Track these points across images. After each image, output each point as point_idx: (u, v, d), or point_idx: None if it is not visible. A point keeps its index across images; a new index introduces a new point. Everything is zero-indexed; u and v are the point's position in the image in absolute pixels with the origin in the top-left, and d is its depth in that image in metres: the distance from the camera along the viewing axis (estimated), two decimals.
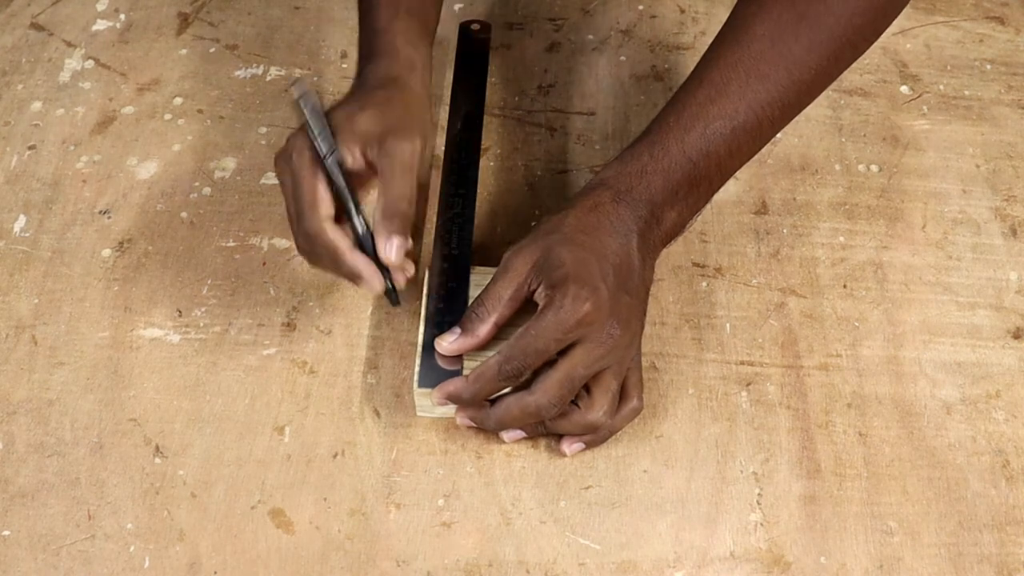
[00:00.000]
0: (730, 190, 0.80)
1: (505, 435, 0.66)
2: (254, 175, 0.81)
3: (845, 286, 0.75)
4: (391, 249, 0.63)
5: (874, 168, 0.82)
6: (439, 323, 0.67)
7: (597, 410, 0.63)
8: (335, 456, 0.67)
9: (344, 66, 0.88)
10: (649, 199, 0.64)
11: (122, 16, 0.92)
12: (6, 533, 0.64)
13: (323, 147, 0.63)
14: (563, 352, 0.61)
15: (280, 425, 0.68)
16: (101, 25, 0.92)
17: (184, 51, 0.90)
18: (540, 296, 0.62)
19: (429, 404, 0.67)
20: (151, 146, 0.83)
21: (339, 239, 0.63)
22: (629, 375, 0.65)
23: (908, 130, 0.85)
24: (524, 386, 0.63)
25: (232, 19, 0.92)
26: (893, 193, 0.81)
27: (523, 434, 0.66)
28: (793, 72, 0.64)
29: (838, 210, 0.79)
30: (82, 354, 0.71)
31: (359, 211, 0.64)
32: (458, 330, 0.64)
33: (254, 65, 0.89)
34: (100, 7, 0.93)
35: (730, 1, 0.92)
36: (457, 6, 0.93)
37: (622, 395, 0.65)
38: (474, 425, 0.66)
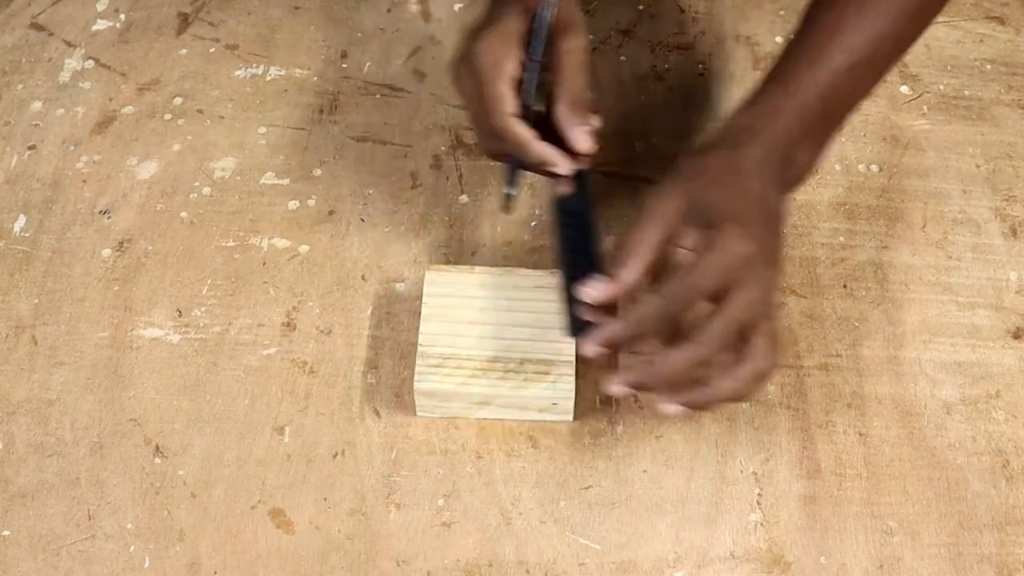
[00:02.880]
0: None
1: (668, 407, 0.60)
2: (254, 175, 0.81)
3: (845, 286, 0.75)
4: (584, 138, 0.68)
5: (874, 168, 0.82)
6: (571, 275, 0.65)
7: (766, 357, 0.59)
8: (335, 456, 0.67)
9: (344, 66, 0.88)
10: (785, 140, 0.64)
11: (122, 16, 0.92)
12: (6, 533, 0.64)
13: (538, 50, 0.68)
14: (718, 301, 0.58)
15: (280, 425, 0.68)
16: (101, 25, 0.92)
17: (184, 51, 0.90)
18: (694, 239, 0.60)
19: (429, 404, 0.67)
20: (151, 146, 0.83)
21: (525, 131, 0.67)
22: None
23: (908, 130, 0.85)
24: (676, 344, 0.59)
25: (232, 19, 0.92)
26: (893, 193, 0.81)
27: (684, 410, 0.60)
28: (903, 2, 0.65)
29: (838, 210, 0.79)
30: (82, 354, 0.71)
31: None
32: (603, 278, 0.61)
33: (254, 65, 0.89)
34: (100, 7, 0.93)
35: (731, 1, 0.92)
36: (457, 6, 0.93)
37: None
38: (633, 392, 0.61)
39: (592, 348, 0.61)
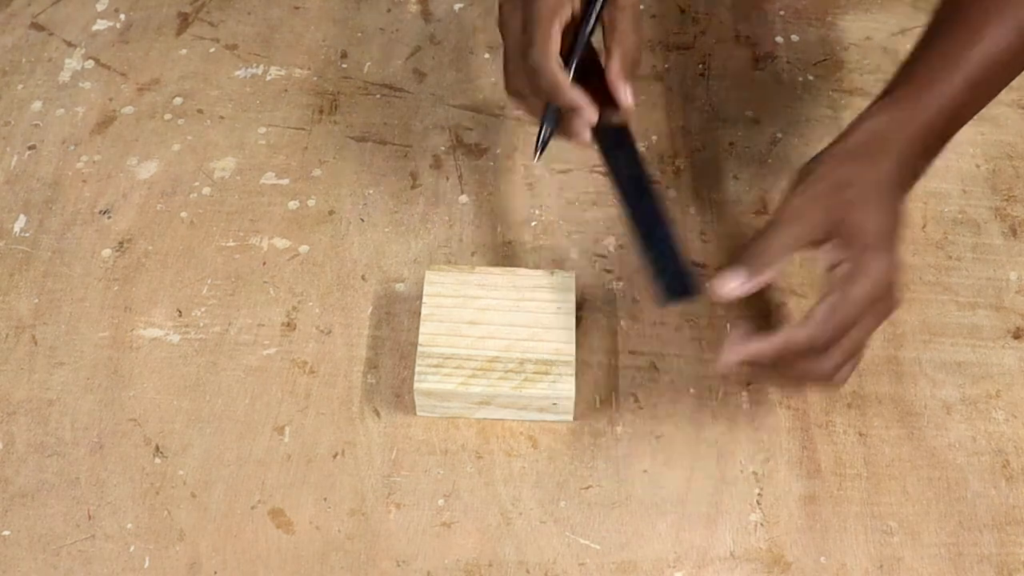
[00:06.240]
0: (730, 190, 0.80)
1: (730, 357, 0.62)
2: (254, 175, 0.81)
3: None
4: (630, 95, 0.66)
5: None
6: (649, 242, 0.66)
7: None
8: (335, 456, 0.67)
9: (344, 66, 0.88)
10: (912, 153, 0.63)
11: (122, 16, 0.92)
12: (6, 533, 0.64)
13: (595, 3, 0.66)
14: None
15: (280, 425, 0.68)
16: (101, 25, 0.92)
17: (184, 51, 0.90)
18: (836, 256, 0.60)
19: (429, 404, 0.67)
20: (151, 146, 0.83)
21: (563, 75, 0.65)
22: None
23: None
24: None
25: (232, 19, 0.92)
26: None
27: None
28: (1014, 36, 0.64)
29: None
30: (82, 354, 0.71)
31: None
32: (743, 273, 0.61)
33: (254, 65, 0.89)
34: (100, 7, 0.93)
35: (731, 1, 0.92)
36: (457, 6, 0.93)
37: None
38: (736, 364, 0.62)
39: (736, 358, 0.61)
